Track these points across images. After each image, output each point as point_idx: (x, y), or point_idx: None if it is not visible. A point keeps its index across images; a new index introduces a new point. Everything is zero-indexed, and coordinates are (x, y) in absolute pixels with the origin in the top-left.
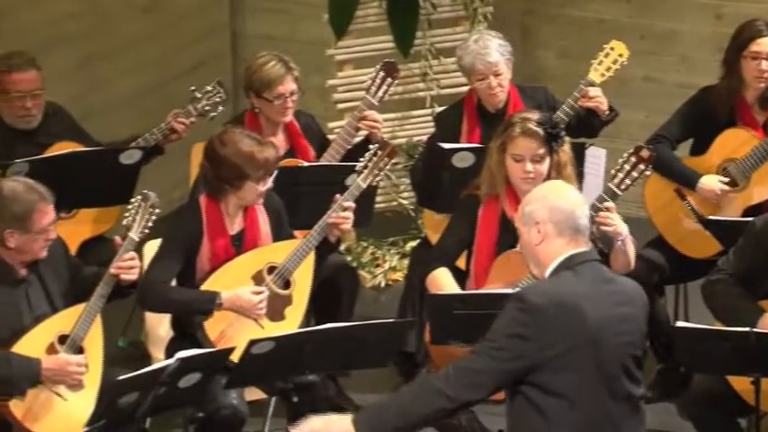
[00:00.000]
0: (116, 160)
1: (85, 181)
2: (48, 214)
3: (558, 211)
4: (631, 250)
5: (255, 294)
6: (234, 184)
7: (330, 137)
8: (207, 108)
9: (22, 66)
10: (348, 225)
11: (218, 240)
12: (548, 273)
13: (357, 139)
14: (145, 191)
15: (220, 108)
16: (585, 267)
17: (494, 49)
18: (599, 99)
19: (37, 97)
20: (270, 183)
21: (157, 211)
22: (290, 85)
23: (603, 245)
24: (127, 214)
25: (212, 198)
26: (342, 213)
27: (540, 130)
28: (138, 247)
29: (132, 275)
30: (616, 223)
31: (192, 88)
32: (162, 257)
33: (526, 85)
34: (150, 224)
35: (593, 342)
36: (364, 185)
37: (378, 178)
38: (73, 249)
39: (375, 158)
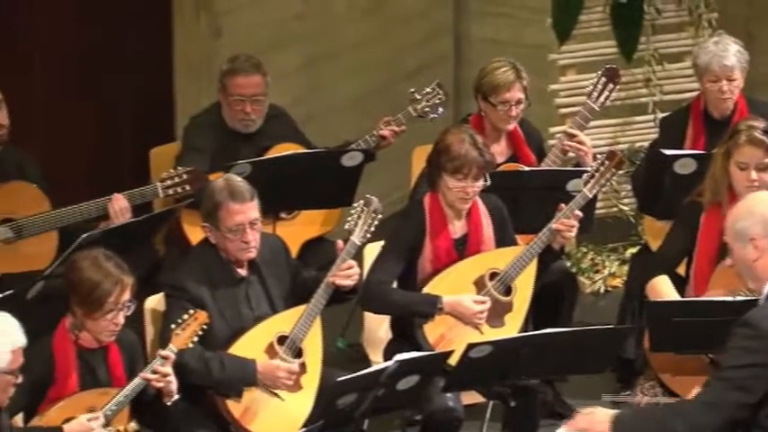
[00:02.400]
0: (338, 162)
1: (307, 183)
2: (234, 215)
3: None
4: None
5: (477, 304)
6: (435, 176)
7: (550, 142)
8: (426, 110)
9: (247, 69)
10: (573, 233)
11: (440, 243)
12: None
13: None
14: (368, 195)
15: (440, 110)
16: None
17: (732, 54)
18: None
19: (258, 102)
20: (477, 188)
21: (379, 216)
22: (516, 93)
23: None
24: (349, 218)
25: (436, 198)
26: (567, 221)
27: (766, 139)
28: (359, 251)
29: (350, 283)
30: None
31: (412, 90)
32: (384, 259)
33: (756, 99)
34: (372, 229)
35: None
36: (590, 195)
37: (603, 188)
38: (294, 251)
39: (602, 168)
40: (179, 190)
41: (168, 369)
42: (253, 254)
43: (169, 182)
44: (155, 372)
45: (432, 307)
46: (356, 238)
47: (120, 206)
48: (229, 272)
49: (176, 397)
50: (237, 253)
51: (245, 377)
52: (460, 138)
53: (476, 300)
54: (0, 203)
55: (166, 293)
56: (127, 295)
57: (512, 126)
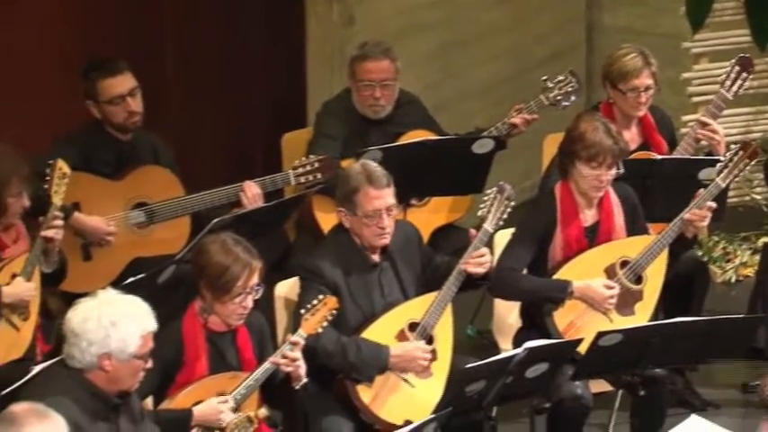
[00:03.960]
0: (469, 149)
1: (438, 169)
2: (371, 200)
3: None
4: None
5: (607, 288)
6: (568, 164)
7: (683, 130)
8: (558, 98)
9: (376, 55)
10: (705, 223)
11: (571, 230)
12: None
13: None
14: (501, 182)
15: (572, 98)
16: None
17: None
18: None
19: (387, 88)
20: (611, 176)
21: (512, 203)
22: (645, 80)
23: None
24: (482, 205)
25: (567, 186)
26: (700, 212)
27: None
28: (491, 238)
29: (482, 270)
30: None
31: (545, 78)
32: (515, 246)
33: None
34: (505, 216)
35: None
36: (723, 185)
37: (737, 179)
38: (425, 237)
39: (736, 159)
40: (310, 178)
41: (297, 354)
42: (387, 240)
43: (301, 170)
44: (284, 356)
45: (561, 292)
46: (489, 226)
47: (252, 193)
48: (363, 258)
49: (305, 381)
50: (372, 239)
51: (379, 362)
52: (594, 126)
53: (606, 284)
54: (133, 188)
55: (301, 277)
56: (255, 279)
57: (642, 113)
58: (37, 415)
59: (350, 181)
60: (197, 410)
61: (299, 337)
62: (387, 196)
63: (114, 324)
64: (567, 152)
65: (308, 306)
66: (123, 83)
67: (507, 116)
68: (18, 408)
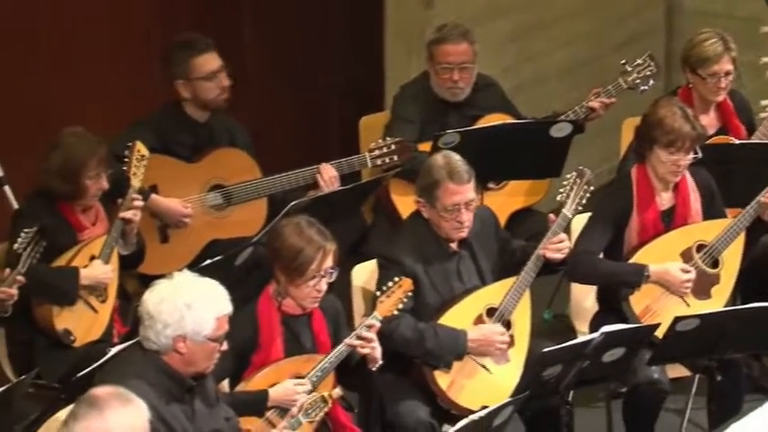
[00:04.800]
0: (546, 133)
1: (515, 153)
2: (451, 195)
3: None
4: None
5: (684, 272)
6: (646, 149)
7: (761, 115)
8: (637, 82)
9: (455, 37)
10: None
11: (647, 214)
12: None
13: None
14: (581, 167)
15: (651, 82)
16: None
17: None
18: None
19: (465, 70)
20: (688, 160)
21: (591, 188)
22: (725, 65)
23: None
24: (561, 190)
25: (644, 170)
26: None
27: None
28: (569, 223)
29: (561, 256)
30: None
31: (623, 62)
32: (592, 230)
33: None
34: (584, 201)
35: None
36: None
37: None
38: (502, 221)
39: None
40: (387, 160)
41: (373, 335)
42: (465, 233)
43: (377, 152)
44: (360, 338)
45: (638, 276)
46: (568, 211)
47: (329, 175)
48: (442, 247)
49: (380, 362)
50: (450, 232)
51: (456, 347)
52: (673, 111)
53: (682, 268)
54: (210, 170)
55: (380, 265)
56: (329, 262)
57: (721, 97)
58: (119, 399)
59: (431, 174)
60: (273, 392)
61: (375, 319)
62: (467, 191)
63: (190, 306)
64: (645, 137)
65: (384, 288)
66: (215, 59)
67: (585, 100)
68: (101, 391)
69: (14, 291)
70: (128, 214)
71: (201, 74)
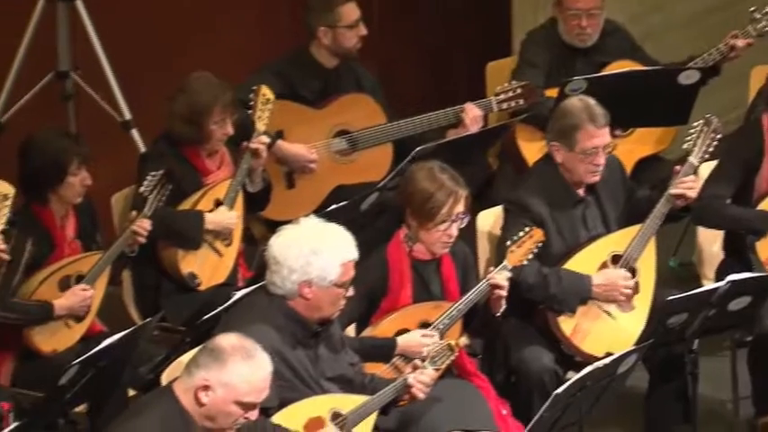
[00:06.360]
0: (674, 80)
1: (643, 100)
2: (591, 138)
3: None
4: None
5: None
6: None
7: None
8: (767, 29)
9: None
10: None
11: None
12: None
13: None
14: (708, 115)
15: None
16: None
17: None
18: None
19: (593, 17)
20: None
21: (718, 136)
22: None
23: None
24: (688, 138)
25: None
26: None
27: None
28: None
29: (692, 194)
30: None
31: (752, 9)
32: (720, 174)
33: None
34: (711, 149)
35: None
36: None
37: None
38: (628, 168)
39: None
40: (513, 104)
41: (503, 281)
42: (598, 177)
43: (503, 96)
44: (491, 285)
45: (766, 222)
46: (694, 159)
47: (473, 114)
48: (569, 192)
49: (504, 307)
50: (586, 175)
51: (580, 291)
52: None
53: None
54: (337, 116)
55: (506, 209)
56: (460, 207)
57: None
58: (242, 353)
59: (570, 117)
60: (401, 340)
61: (505, 268)
62: (605, 135)
63: (315, 252)
64: None
65: (515, 238)
66: (356, 8)
67: (724, 42)
68: (226, 342)
69: (147, 222)
70: (256, 145)
71: (346, 22)
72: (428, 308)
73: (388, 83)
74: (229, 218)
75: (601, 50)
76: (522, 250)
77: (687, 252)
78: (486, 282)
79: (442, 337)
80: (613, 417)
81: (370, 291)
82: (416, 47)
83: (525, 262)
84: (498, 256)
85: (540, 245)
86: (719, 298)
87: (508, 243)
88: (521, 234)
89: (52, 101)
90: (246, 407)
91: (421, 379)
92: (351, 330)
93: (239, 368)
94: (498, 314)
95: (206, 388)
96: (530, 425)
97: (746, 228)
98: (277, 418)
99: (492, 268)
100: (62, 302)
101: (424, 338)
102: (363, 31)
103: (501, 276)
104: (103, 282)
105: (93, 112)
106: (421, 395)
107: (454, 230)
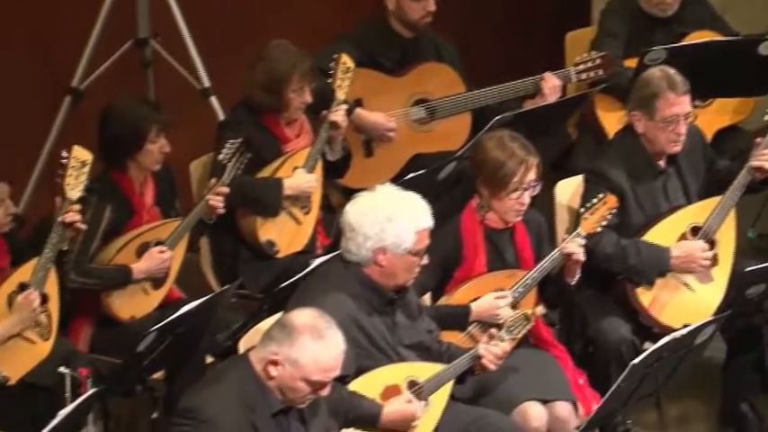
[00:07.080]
0: (754, 51)
1: (723, 70)
2: (672, 105)
3: None
4: None
5: None
6: None
7: None
8: None
9: None
10: None
11: None
12: None
13: None
14: None
15: None
16: None
17: None
18: None
19: None
20: None
21: None
22: None
23: None
24: None
25: None
26: None
27: None
28: None
29: None
30: None
31: None
32: None
33: None
34: None
35: None
36: None
37: None
38: (708, 138)
39: None
40: (591, 74)
41: (576, 248)
42: (679, 147)
43: (582, 66)
44: (565, 252)
45: None
46: None
47: (552, 84)
48: (650, 163)
49: (578, 276)
50: (666, 145)
51: (659, 263)
52: None
53: None
54: (415, 84)
55: (586, 179)
56: (532, 175)
57: None
58: (313, 333)
59: (650, 86)
60: (475, 306)
61: (578, 235)
62: (685, 103)
63: (390, 219)
64: None
65: (588, 205)
66: None
67: None
68: (300, 319)
69: (225, 190)
70: (334, 117)
71: None
72: (502, 276)
73: (466, 53)
74: (308, 181)
75: (680, 20)
76: (596, 217)
77: (766, 223)
78: (560, 250)
79: (516, 306)
80: (690, 388)
81: (443, 260)
82: (495, 17)
83: (599, 229)
84: (575, 223)
85: (613, 212)
86: None
87: (581, 210)
88: (594, 201)
89: (131, 68)
90: (314, 385)
91: (492, 350)
92: (426, 300)
93: (308, 347)
94: (573, 282)
95: (275, 362)
96: (607, 395)
97: None
98: (354, 386)
99: (566, 236)
100: (140, 266)
101: (497, 300)
102: (432, 6)
103: (574, 244)
104: (182, 248)
105: (172, 80)
106: (492, 366)
107: (526, 198)
